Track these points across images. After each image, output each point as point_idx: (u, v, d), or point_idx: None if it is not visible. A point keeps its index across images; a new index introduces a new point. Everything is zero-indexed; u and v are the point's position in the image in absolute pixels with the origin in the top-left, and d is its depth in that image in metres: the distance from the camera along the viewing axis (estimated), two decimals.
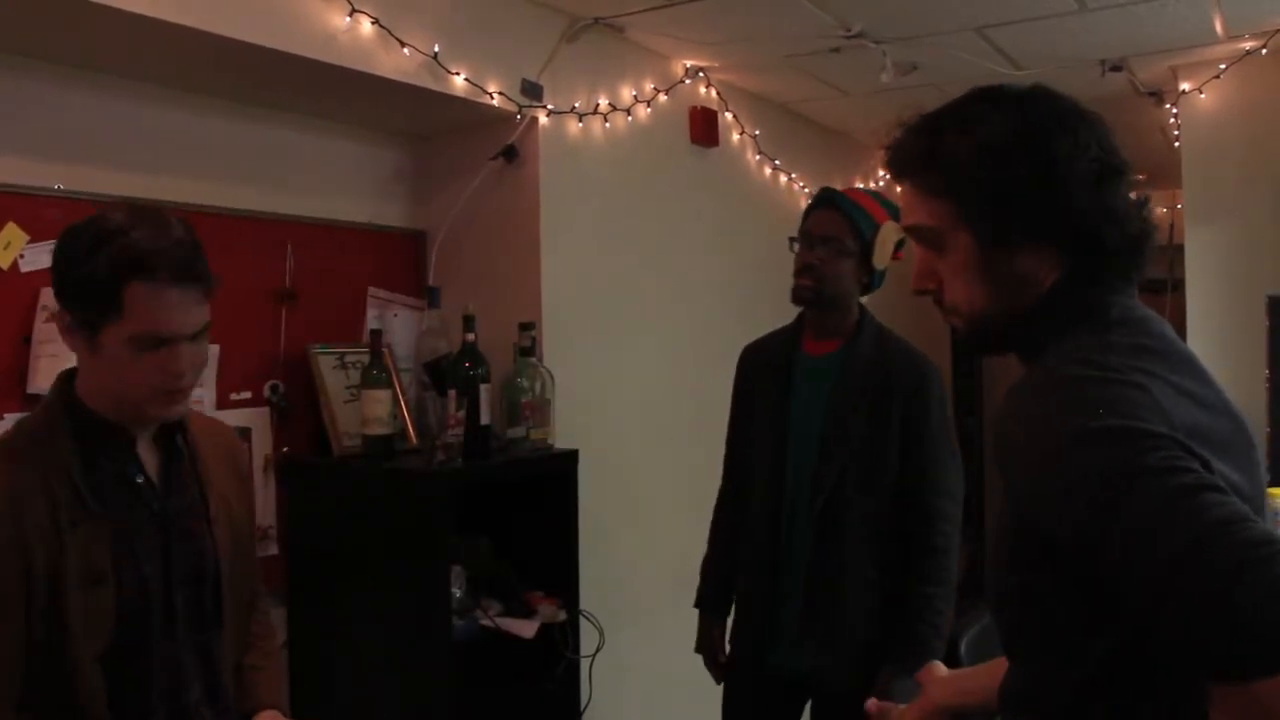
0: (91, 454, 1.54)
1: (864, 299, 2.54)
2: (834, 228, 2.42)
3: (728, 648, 2.66)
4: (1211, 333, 3.72)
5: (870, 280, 2.49)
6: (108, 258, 1.44)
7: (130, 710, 1.54)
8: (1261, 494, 1.14)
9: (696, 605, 2.74)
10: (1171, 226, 4.86)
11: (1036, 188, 1.21)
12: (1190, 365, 1.16)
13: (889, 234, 2.42)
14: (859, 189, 2.55)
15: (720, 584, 2.69)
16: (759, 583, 2.49)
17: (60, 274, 1.50)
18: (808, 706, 2.56)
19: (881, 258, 2.43)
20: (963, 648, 2.34)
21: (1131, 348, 1.15)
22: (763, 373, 2.59)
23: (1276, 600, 0.90)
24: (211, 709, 1.67)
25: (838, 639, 2.37)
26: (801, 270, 2.44)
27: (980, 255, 1.26)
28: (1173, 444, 1.02)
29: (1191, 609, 0.94)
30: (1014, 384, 1.22)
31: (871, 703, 2.26)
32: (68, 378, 1.59)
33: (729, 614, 2.68)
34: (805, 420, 2.45)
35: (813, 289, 2.43)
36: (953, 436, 2.42)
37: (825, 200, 2.49)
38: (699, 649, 2.71)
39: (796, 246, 2.48)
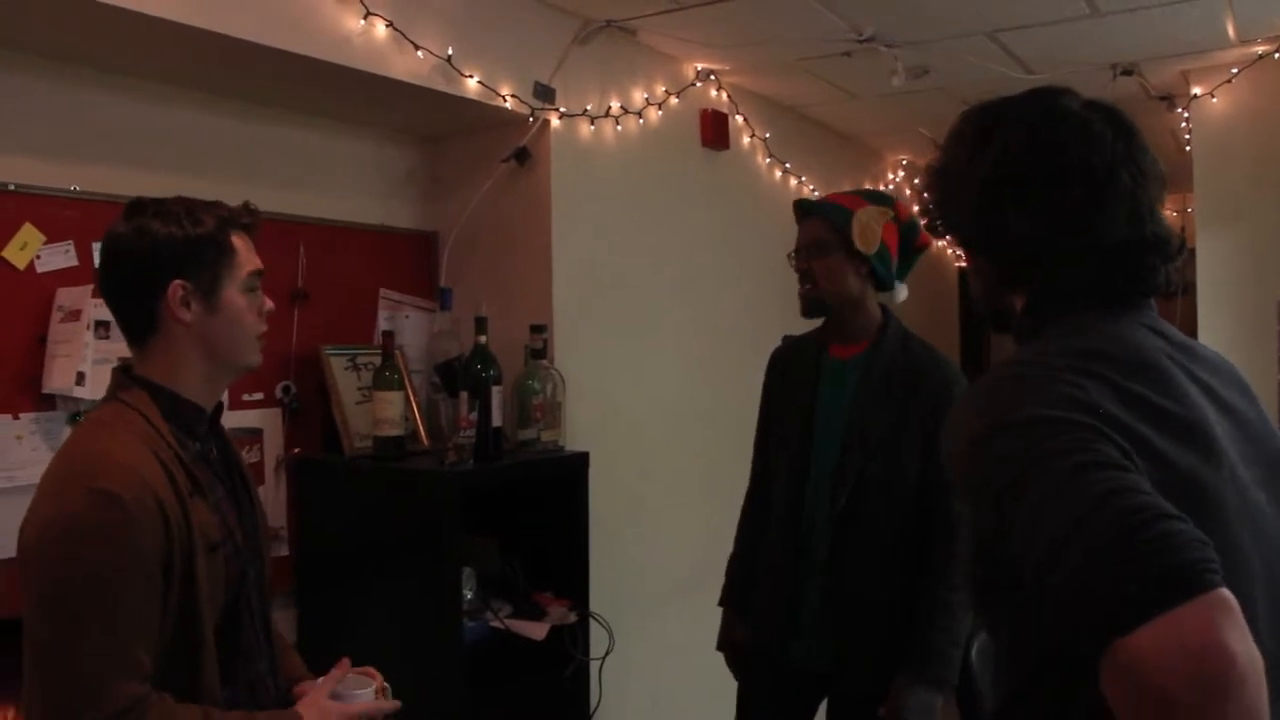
0: (180, 433, 1.60)
1: (886, 299, 2.54)
2: (812, 231, 2.48)
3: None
4: (1223, 337, 3.71)
5: (878, 274, 2.47)
6: (212, 217, 1.62)
7: (224, 681, 1.59)
8: (1225, 497, 1.13)
9: (721, 603, 2.74)
10: (1182, 230, 4.85)
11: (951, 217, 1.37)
12: (1149, 374, 1.17)
13: (869, 218, 2.43)
14: (837, 192, 2.57)
15: (744, 582, 2.68)
16: (779, 579, 2.49)
17: (177, 249, 1.58)
18: (823, 703, 2.55)
19: (867, 242, 2.42)
20: (974, 652, 2.34)
21: (1082, 350, 1.18)
22: (790, 374, 2.60)
23: (1132, 564, 0.92)
24: (273, 679, 1.73)
25: (854, 636, 2.37)
26: (800, 280, 2.50)
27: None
28: (1081, 428, 1.05)
29: (1064, 579, 0.97)
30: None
31: (883, 712, 2.27)
32: (126, 369, 1.64)
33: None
34: (829, 421, 2.46)
35: (811, 294, 2.48)
36: None
37: (800, 211, 2.55)
38: (720, 646, 2.71)
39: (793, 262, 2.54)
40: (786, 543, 2.48)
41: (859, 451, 2.38)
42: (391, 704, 1.74)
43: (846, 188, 4.81)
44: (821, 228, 2.45)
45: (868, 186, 5.07)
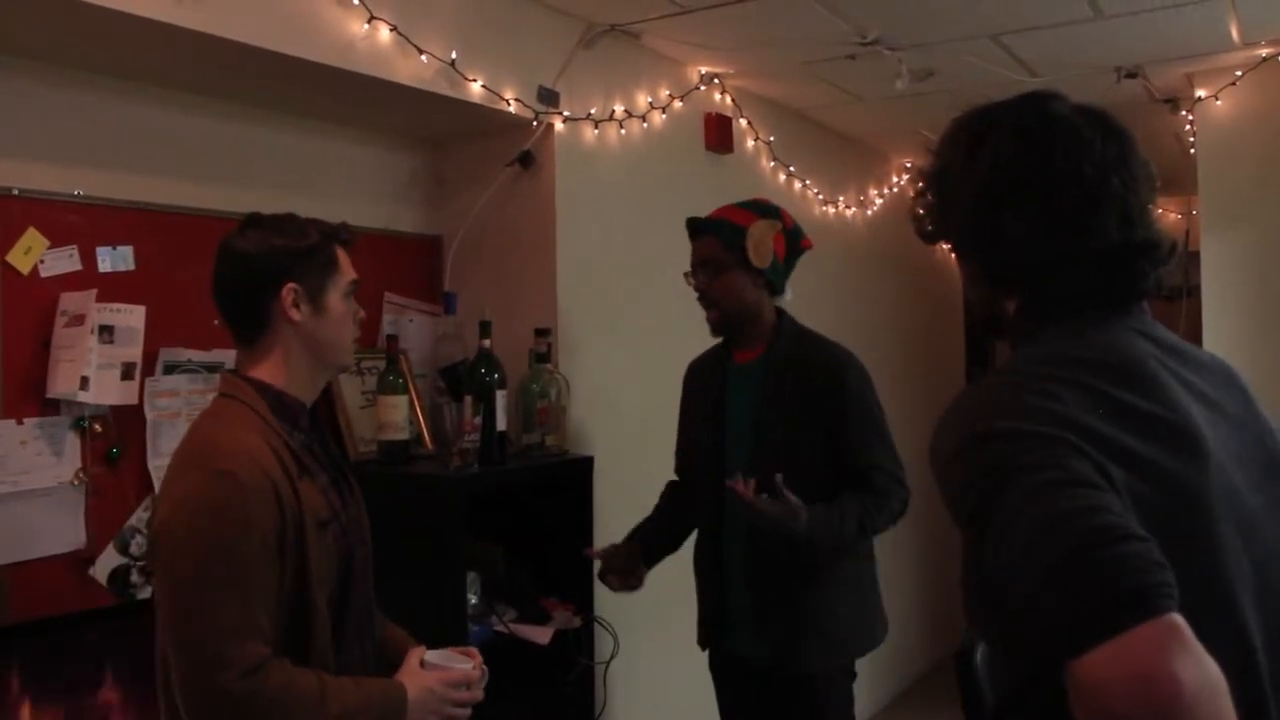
0: (286, 425, 1.76)
1: (780, 301, 2.61)
2: (705, 251, 2.55)
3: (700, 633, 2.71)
4: (1229, 339, 3.70)
5: (771, 281, 2.54)
6: (317, 231, 1.82)
7: (337, 655, 1.73)
8: (1212, 500, 1.12)
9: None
10: (1187, 233, 4.85)
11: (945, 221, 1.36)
12: (1136, 379, 1.16)
13: (761, 232, 2.50)
14: (726, 206, 2.59)
15: (646, 530, 2.76)
16: (710, 580, 2.61)
17: (291, 256, 1.77)
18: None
19: (761, 256, 2.49)
20: (978, 657, 2.33)
21: (1069, 357, 1.19)
22: (700, 384, 2.72)
23: (1084, 585, 0.93)
24: (376, 662, 1.87)
25: (787, 626, 2.46)
26: (699, 300, 2.58)
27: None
28: (1055, 443, 1.06)
29: (1022, 595, 0.98)
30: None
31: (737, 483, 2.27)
32: (234, 371, 1.82)
33: (644, 557, 2.71)
34: (738, 422, 2.56)
35: (716, 315, 2.56)
36: (880, 420, 2.51)
37: (692, 230, 2.61)
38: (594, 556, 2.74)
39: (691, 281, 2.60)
40: (710, 543, 2.60)
41: (768, 448, 2.47)
42: (480, 673, 1.91)
43: (851, 191, 4.85)
44: (715, 246, 2.53)
45: (878, 190, 5.06)
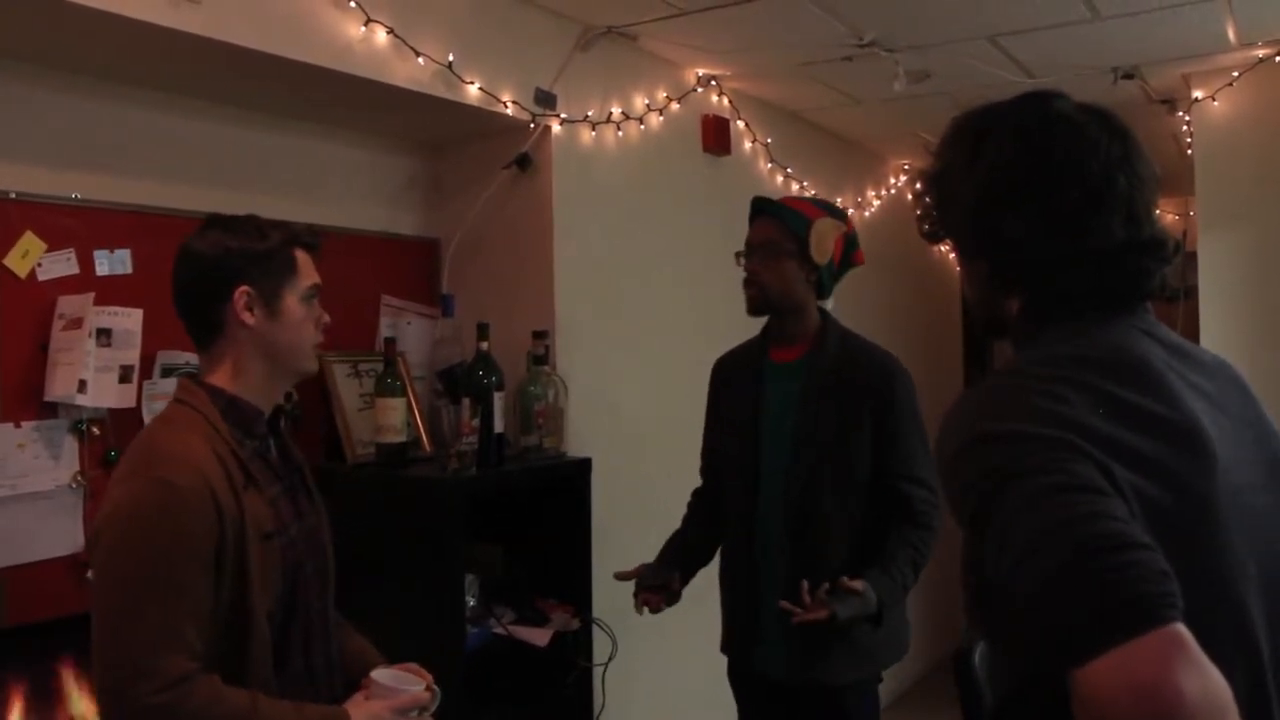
0: (238, 432, 1.73)
1: (827, 304, 2.59)
2: (767, 233, 2.49)
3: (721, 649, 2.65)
4: (1227, 340, 3.70)
5: (821, 281, 2.51)
6: (278, 234, 1.79)
7: (277, 666, 1.70)
8: (1218, 500, 1.12)
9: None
10: (1184, 234, 4.85)
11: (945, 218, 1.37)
12: (1141, 379, 1.16)
13: (826, 229, 2.47)
14: (793, 196, 2.57)
15: (677, 544, 2.68)
16: (740, 588, 2.53)
17: (245, 259, 1.74)
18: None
19: (821, 253, 2.46)
20: (976, 658, 2.33)
21: (1074, 358, 1.18)
22: (733, 382, 2.65)
23: (1086, 594, 0.93)
24: (327, 674, 1.83)
25: (820, 637, 2.38)
26: (746, 281, 2.52)
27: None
28: (1059, 445, 1.05)
29: (1023, 602, 0.98)
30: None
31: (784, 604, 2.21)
32: (192, 375, 1.80)
33: (677, 567, 2.61)
34: (776, 424, 2.49)
35: (758, 295, 2.50)
36: (924, 430, 2.45)
37: (757, 210, 2.56)
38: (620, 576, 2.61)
39: (742, 261, 2.55)
40: (741, 549, 2.52)
41: (810, 450, 2.41)
42: (431, 695, 1.82)
43: (849, 193, 4.86)
44: (778, 230, 2.48)
45: (876, 192, 5.07)
